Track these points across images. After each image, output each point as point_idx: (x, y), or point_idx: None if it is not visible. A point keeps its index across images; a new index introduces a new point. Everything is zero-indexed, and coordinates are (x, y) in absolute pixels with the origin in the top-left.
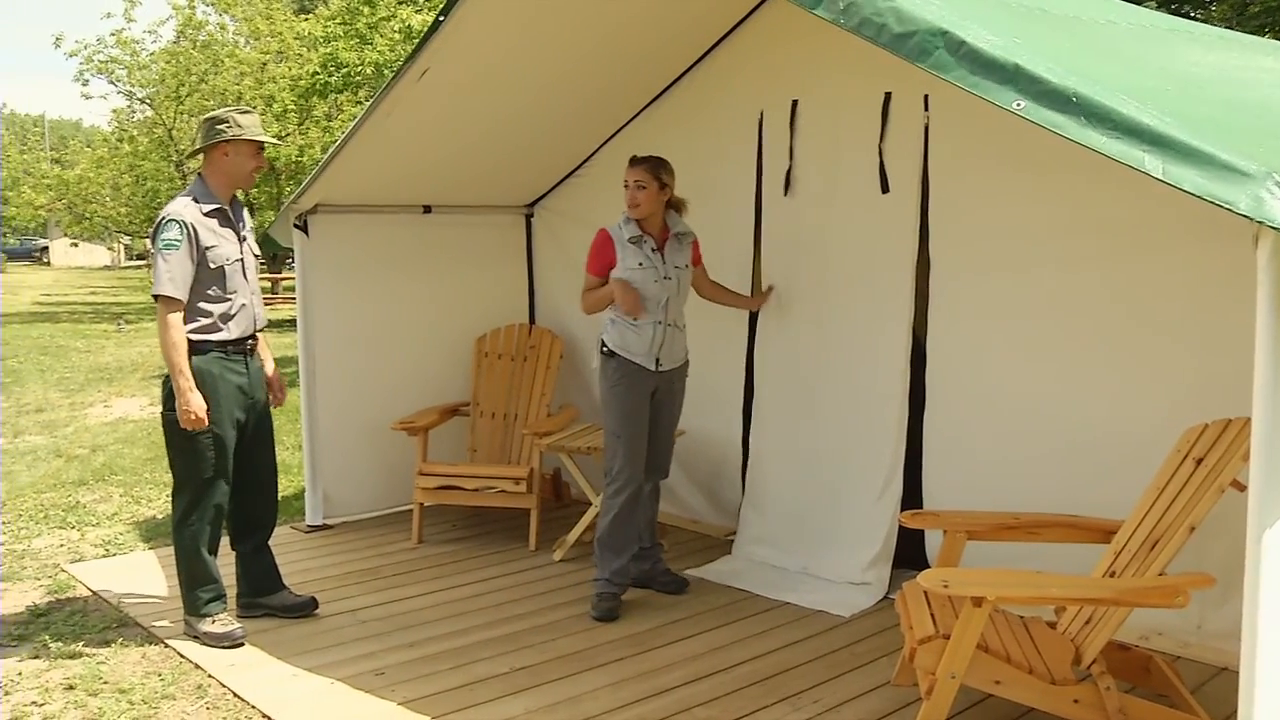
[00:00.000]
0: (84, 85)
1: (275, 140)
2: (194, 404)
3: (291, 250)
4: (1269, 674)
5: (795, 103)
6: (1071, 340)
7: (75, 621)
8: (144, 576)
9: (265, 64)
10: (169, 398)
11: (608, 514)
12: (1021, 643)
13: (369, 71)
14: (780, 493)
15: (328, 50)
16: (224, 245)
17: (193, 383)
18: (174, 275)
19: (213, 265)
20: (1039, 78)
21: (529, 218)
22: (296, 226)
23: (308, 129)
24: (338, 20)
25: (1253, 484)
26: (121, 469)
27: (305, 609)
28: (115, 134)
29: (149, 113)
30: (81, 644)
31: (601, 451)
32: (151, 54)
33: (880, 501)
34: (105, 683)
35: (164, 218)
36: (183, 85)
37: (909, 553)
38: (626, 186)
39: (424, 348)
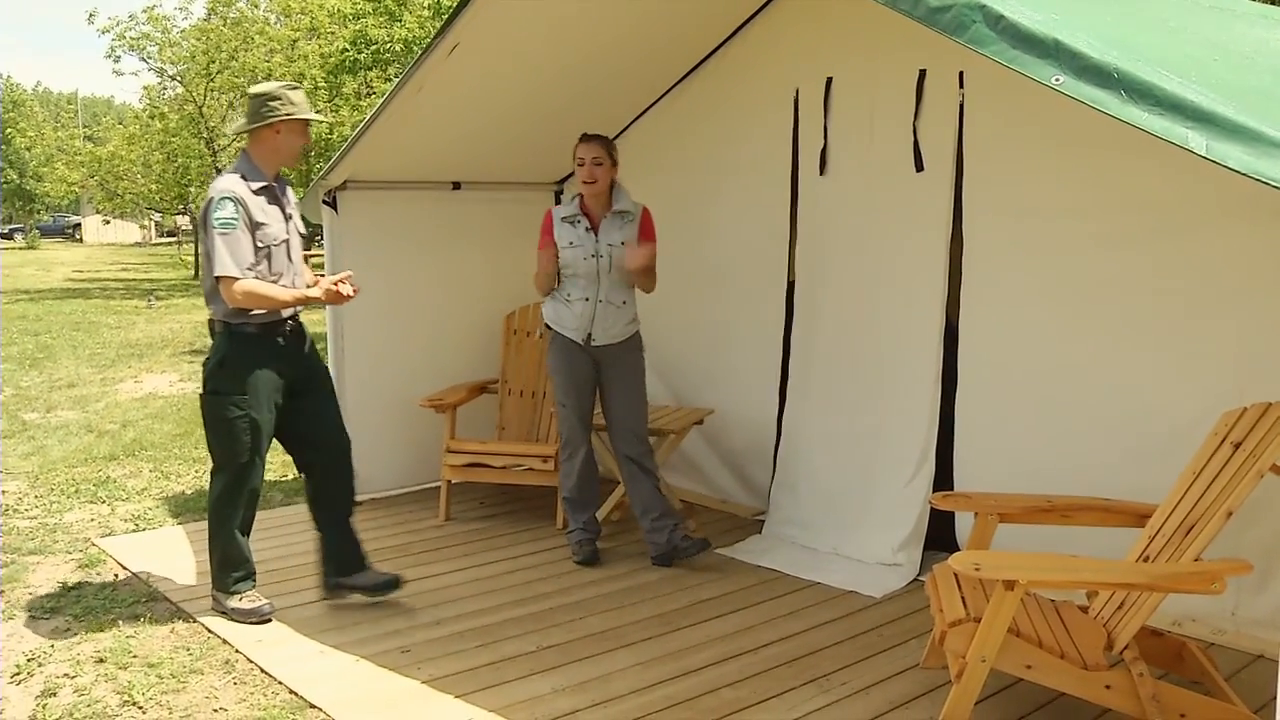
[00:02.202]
0: (115, 62)
1: (323, 119)
2: (321, 294)
3: (320, 226)
4: None
5: (830, 80)
6: (1107, 321)
7: (105, 595)
8: (173, 551)
9: (296, 41)
10: (210, 378)
11: (568, 476)
12: (1053, 627)
13: (398, 48)
14: (812, 473)
15: (357, 27)
16: (272, 224)
17: (304, 291)
18: (236, 254)
19: (260, 245)
20: (1079, 52)
21: (558, 194)
22: (325, 203)
23: (338, 106)
24: None
25: None
26: (151, 444)
27: (390, 587)
28: (146, 111)
29: (180, 90)
30: (111, 618)
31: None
32: (183, 31)
33: (913, 483)
34: (134, 656)
35: (217, 196)
36: (213, 62)
37: (940, 535)
38: (582, 164)
39: (452, 325)
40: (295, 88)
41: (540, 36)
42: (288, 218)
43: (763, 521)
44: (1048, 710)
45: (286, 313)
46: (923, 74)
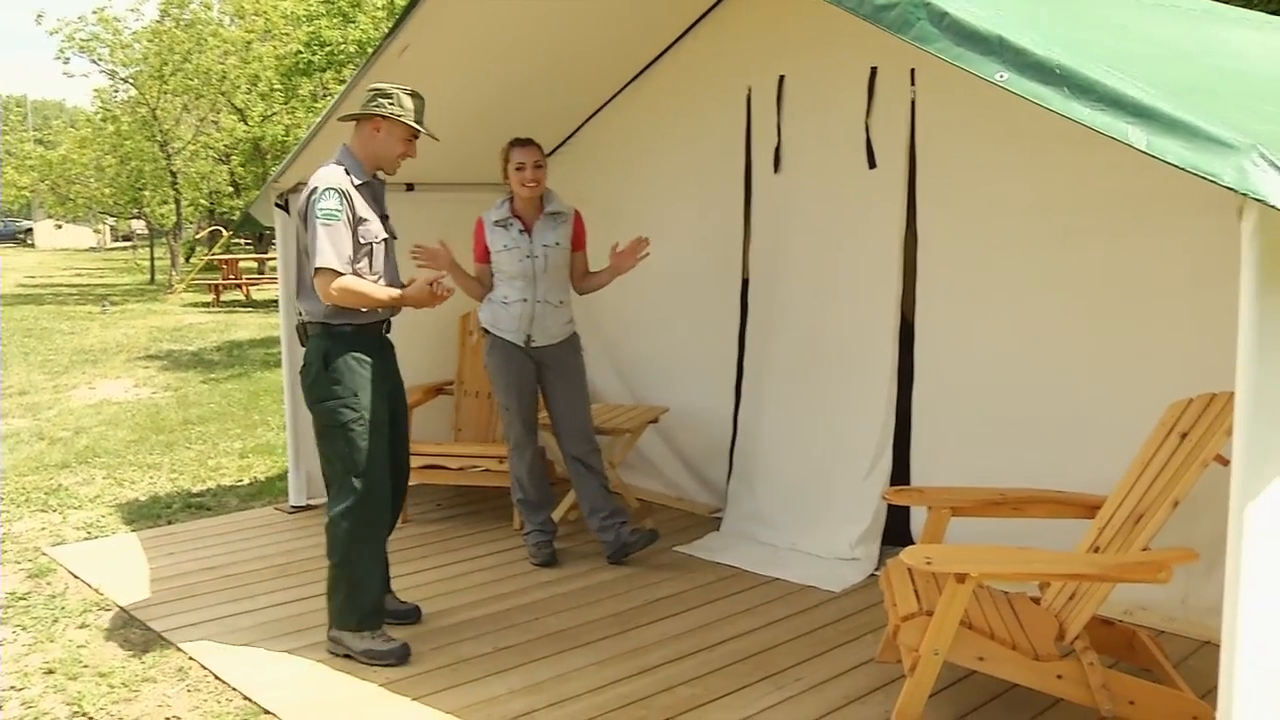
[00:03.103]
0: (65, 63)
1: (433, 135)
2: (416, 294)
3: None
4: (1250, 647)
5: (782, 78)
6: (1061, 316)
7: (55, 605)
8: (126, 559)
9: (250, 43)
10: (315, 384)
11: (519, 478)
12: (1005, 619)
13: (352, 49)
14: (770, 470)
15: (311, 29)
16: (373, 222)
17: (400, 290)
18: (338, 247)
19: (362, 241)
20: (1022, 49)
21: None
22: (278, 205)
23: (294, 108)
24: None
25: (1236, 458)
26: (105, 451)
27: (411, 617)
28: (98, 114)
29: (132, 92)
30: (61, 627)
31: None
32: (134, 32)
33: (869, 478)
34: (85, 666)
35: (321, 186)
36: (166, 64)
37: (897, 529)
38: (522, 169)
39: (407, 326)
40: (415, 95)
41: (492, 37)
42: (384, 218)
43: (719, 519)
44: (1001, 701)
45: (382, 314)
46: (874, 71)
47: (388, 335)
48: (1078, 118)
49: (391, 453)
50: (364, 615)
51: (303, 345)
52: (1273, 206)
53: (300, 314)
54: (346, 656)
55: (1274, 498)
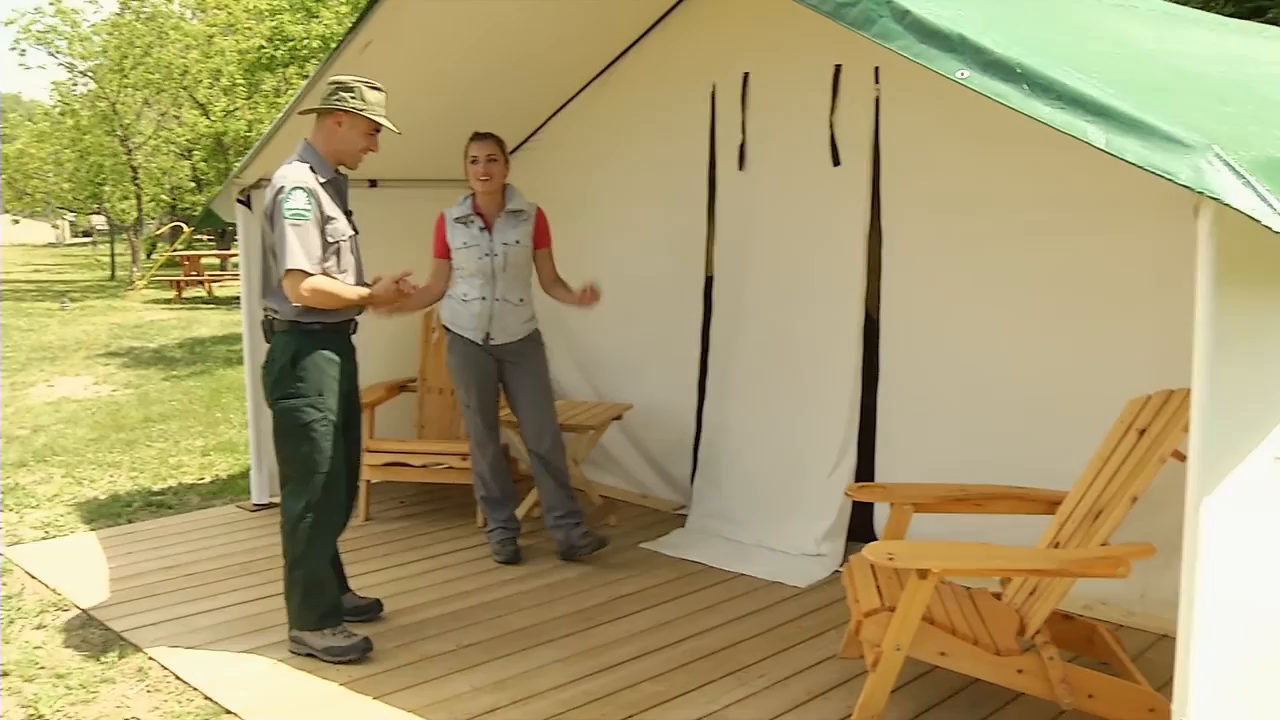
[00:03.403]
0: (21, 55)
1: (394, 129)
2: (384, 292)
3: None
4: (1205, 639)
5: (746, 75)
6: (1025, 313)
7: (10, 606)
8: (84, 559)
9: (212, 37)
10: (279, 382)
11: (481, 476)
12: (967, 614)
13: (315, 44)
14: (735, 466)
15: (274, 23)
16: (339, 220)
17: (367, 289)
18: (307, 247)
19: (330, 240)
20: (983, 48)
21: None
22: (240, 201)
23: (256, 104)
24: None
25: (1192, 454)
26: (63, 450)
27: (373, 611)
28: (56, 107)
29: (91, 86)
30: (17, 629)
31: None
32: (93, 25)
33: (834, 475)
34: (41, 668)
35: (288, 185)
36: (126, 58)
37: (862, 526)
38: (475, 162)
39: (370, 323)
40: (376, 88)
41: (455, 32)
42: (348, 214)
43: (683, 515)
44: (963, 696)
45: (351, 313)
46: (838, 69)
47: (352, 335)
48: (1038, 116)
49: (346, 453)
50: (323, 613)
51: (268, 341)
52: (1227, 205)
53: (266, 311)
54: (309, 655)
55: (1229, 493)
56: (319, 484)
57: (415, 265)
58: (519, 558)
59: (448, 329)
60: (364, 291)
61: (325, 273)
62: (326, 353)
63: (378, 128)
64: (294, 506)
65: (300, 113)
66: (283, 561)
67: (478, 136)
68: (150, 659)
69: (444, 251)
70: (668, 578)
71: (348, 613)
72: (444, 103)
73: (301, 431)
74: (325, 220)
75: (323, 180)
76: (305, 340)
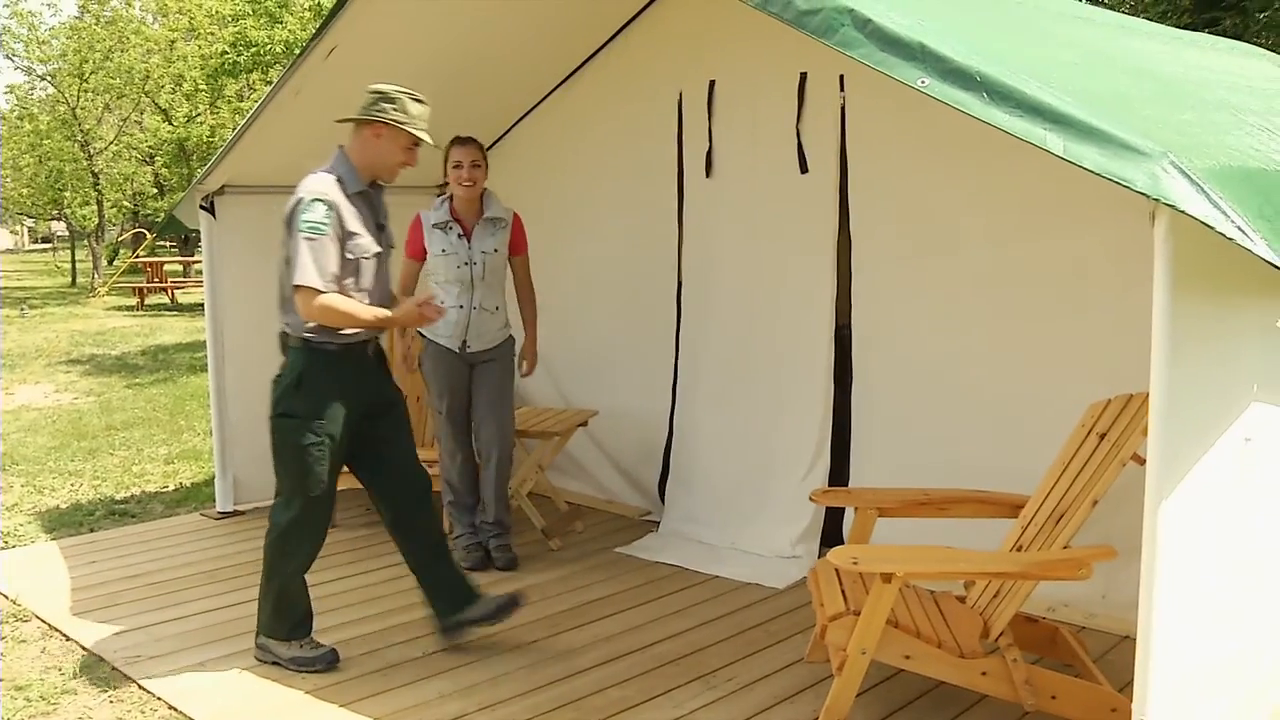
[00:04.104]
0: None
1: (434, 143)
2: (405, 314)
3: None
4: (1164, 640)
5: (713, 83)
6: (992, 317)
7: None
8: (45, 569)
9: (174, 42)
10: (282, 398)
11: (449, 482)
12: (931, 617)
13: (279, 50)
14: (707, 471)
15: (237, 28)
16: (364, 236)
17: (389, 310)
18: (320, 263)
19: (350, 256)
20: (944, 56)
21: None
22: (203, 208)
23: (219, 109)
24: None
25: (1150, 457)
26: (23, 458)
27: (514, 605)
28: (14, 111)
29: (50, 90)
30: None
31: (513, 432)
32: (51, 29)
33: (807, 479)
34: (0, 680)
35: (307, 196)
36: (86, 62)
37: (833, 530)
38: (459, 167)
39: None
40: (420, 100)
41: (420, 38)
42: (380, 229)
43: (649, 521)
44: (928, 699)
45: (366, 334)
46: (804, 77)
47: (376, 351)
48: (997, 123)
49: (400, 457)
50: (293, 625)
51: (283, 355)
52: (1182, 211)
53: (282, 325)
54: (274, 664)
55: (1186, 495)
56: (307, 504)
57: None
58: (486, 564)
59: (423, 336)
60: (382, 313)
61: (342, 290)
62: (336, 373)
63: (417, 142)
64: (280, 519)
65: (337, 121)
66: (257, 569)
67: (460, 141)
68: (113, 669)
69: (420, 254)
70: (636, 583)
71: (491, 616)
72: None
73: (296, 452)
74: (346, 236)
75: (351, 192)
76: (315, 359)
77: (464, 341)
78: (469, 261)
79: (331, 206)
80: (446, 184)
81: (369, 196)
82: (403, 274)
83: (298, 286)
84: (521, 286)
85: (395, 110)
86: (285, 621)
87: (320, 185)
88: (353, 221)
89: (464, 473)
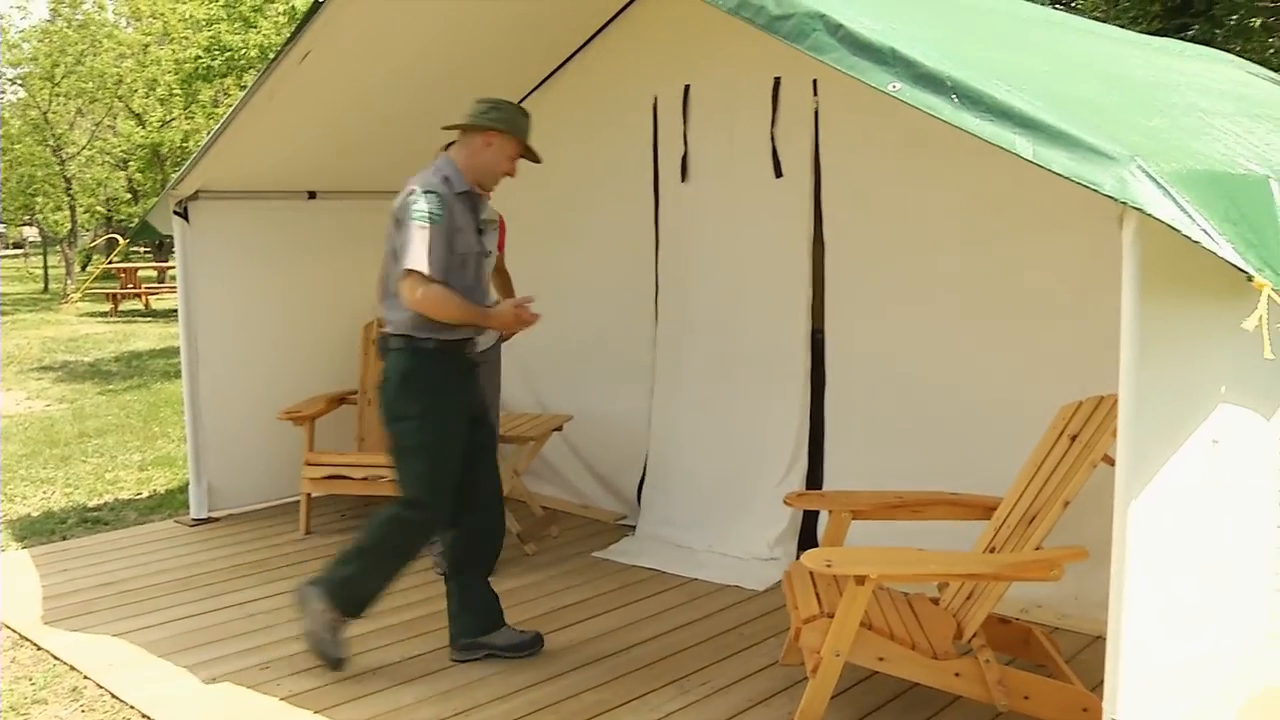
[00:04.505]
0: None
1: (536, 160)
2: (503, 315)
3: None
4: (1134, 639)
5: (687, 87)
6: (965, 320)
7: None
8: (16, 577)
9: (147, 46)
10: (394, 401)
11: None
12: (905, 619)
13: (254, 55)
14: (685, 474)
15: (211, 33)
16: (468, 234)
17: (486, 311)
18: (432, 251)
19: (456, 252)
20: (914, 61)
21: None
22: (176, 213)
23: (194, 114)
24: (220, 2)
25: (1119, 458)
26: None
27: (534, 646)
28: None
29: (21, 94)
30: None
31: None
32: (22, 32)
33: (784, 482)
34: None
35: (420, 188)
36: (57, 66)
37: (809, 533)
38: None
39: (310, 336)
40: (528, 115)
41: (394, 43)
42: (479, 233)
43: (625, 526)
44: (902, 700)
45: (467, 332)
46: (778, 81)
47: (471, 356)
48: (967, 127)
49: (484, 470)
50: (357, 603)
51: (381, 359)
52: (1150, 215)
53: (383, 325)
54: (310, 632)
55: (1155, 496)
56: (429, 507)
57: (354, 275)
58: None
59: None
60: (481, 312)
61: (446, 285)
62: (441, 371)
63: (521, 153)
64: (402, 514)
65: (444, 128)
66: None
67: None
68: (85, 678)
69: None
70: (612, 586)
71: (511, 649)
72: (383, 113)
73: (417, 451)
74: (454, 230)
75: (457, 192)
76: (418, 357)
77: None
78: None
79: (443, 200)
80: None
81: (472, 200)
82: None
83: (408, 271)
84: (501, 273)
85: (507, 120)
86: (355, 598)
87: (430, 180)
88: (461, 217)
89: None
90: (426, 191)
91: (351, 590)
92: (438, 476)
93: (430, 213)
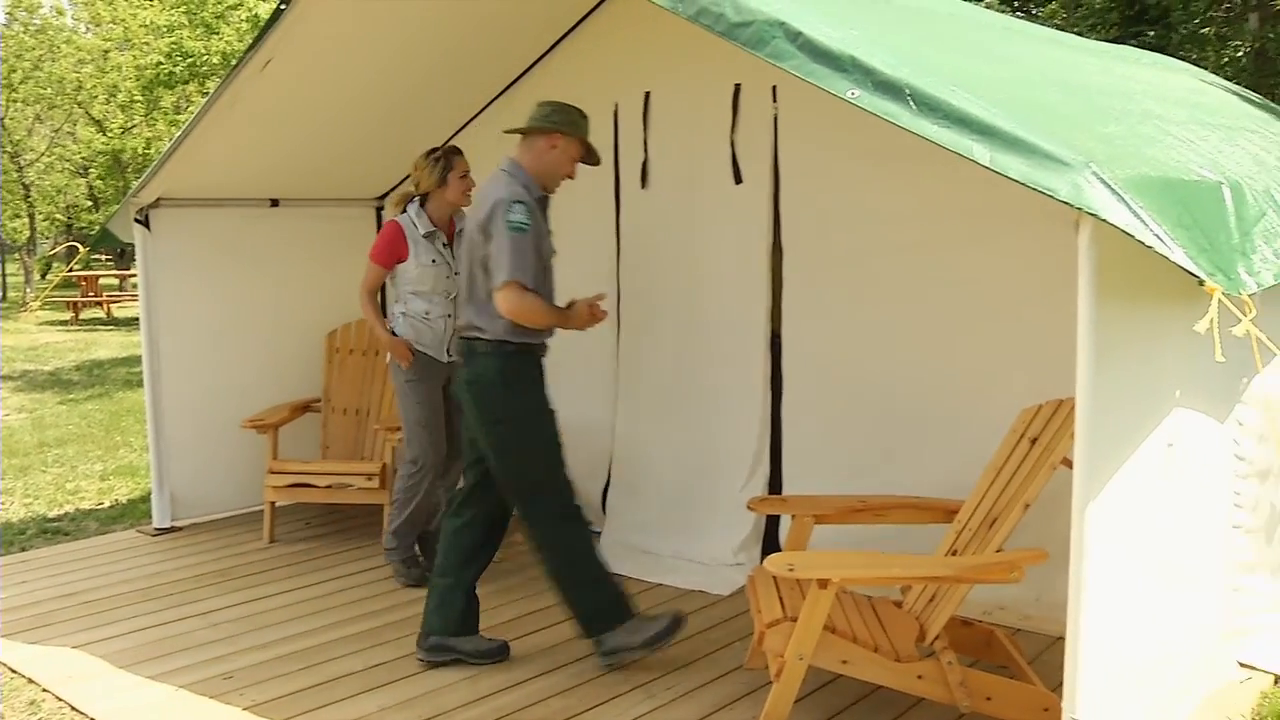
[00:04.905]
0: None
1: (595, 161)
2: (579, 314)
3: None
4: (1092, 638)
5: (648, 94)
6: (923, 325)
7: None
8: None
9: (108, 52)
10: (493, 406)
11: (413, 497)
12: (868, 622)
13: (216, 61)
14: (649, 480)
15: (172, 39)
16: (548, 239)
17: (567, 311)
18: (528, 260)
19: (542, 257)
20: (873, 68)
21: (379, 210)
22: (138, 221)
23: (155, 120)
24: (182, 9)
25: (1077, 460)
26: None
27: (501, 655)
28: None
29: None
30: None
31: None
32: None
33: (747, 487)
34: None
35: (506, 198)
36: (14, 71)
37: (771, 537)
38: (465, 177)
39: (274, 344)
40: (586, 117)
41: (357, 51)
42: (548, 235)
43: (594, 531)
44: (866, 703)
45: (549, 334)
46: (738, 88)
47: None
48: (925, 134)
49: (493, 483)
50: (615, 608)
51: (467, 365)
52: (1104, 220)
53: (471, 331)
54: (618, 651)
55: (1113, 498)
56: (565, 487)
57: (317, 283)
58: (426, 580)
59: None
60: (561, 311)
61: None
62: (532, 371)
63: (583, 155)
64: (548, 533)
65: (506, 131)
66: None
67: (460, 151)
68: (44, 690)
69: (393, 261)
70: None
71: (477, 656)
72: (345, 121)
73: (535, 444)
74: (539, 236)
75: (535, 198)
76: (513, 359)
77: (447, 350)
78: (456, 272)
79: (530, 208)
80: (425, 196)
81: (544, 204)
82: (373, 280)
83: (506, 282)
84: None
85: (571, 122)
86: (611, 605)
87: (517, 189)
88: (541, 224)
89: (432, 494)
90: (516, 202)
91: (598, 607)
92: (558, 463)
93: (523, 223)
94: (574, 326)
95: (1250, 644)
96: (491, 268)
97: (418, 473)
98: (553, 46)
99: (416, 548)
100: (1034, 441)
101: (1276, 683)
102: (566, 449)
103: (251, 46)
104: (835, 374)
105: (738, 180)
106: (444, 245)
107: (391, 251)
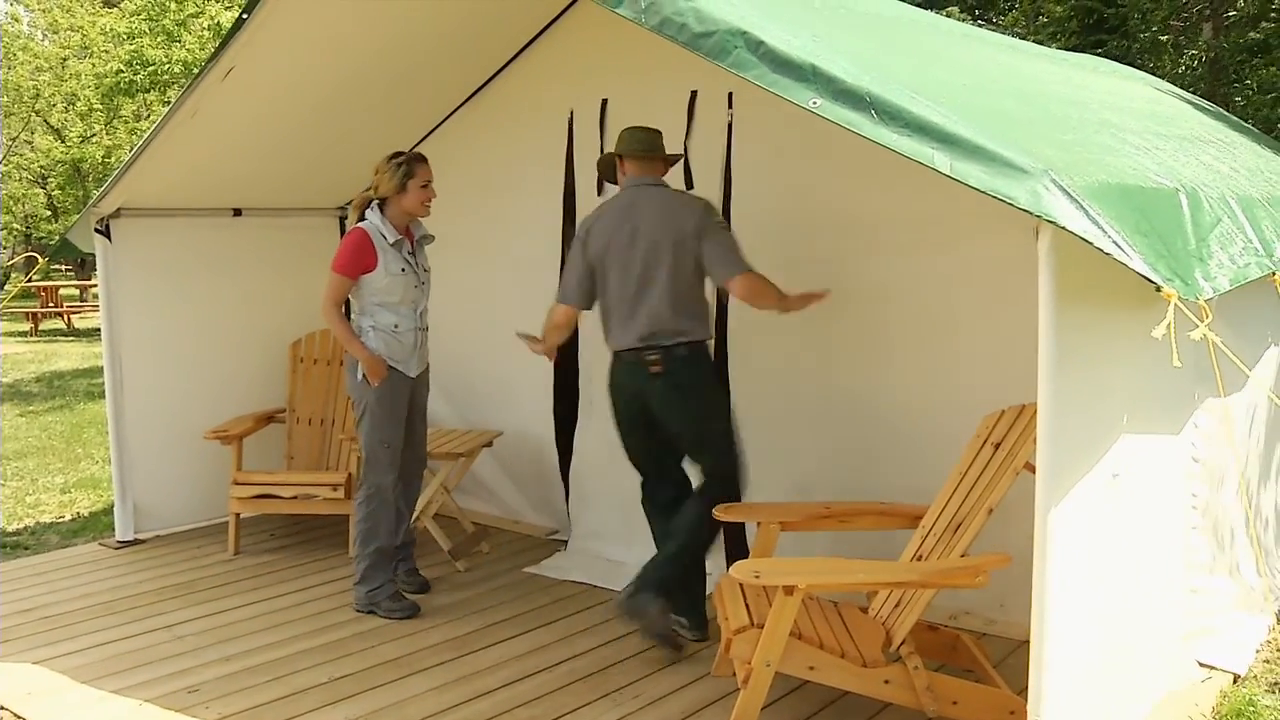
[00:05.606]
0: None
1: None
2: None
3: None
4: (1055, 641)
5: (605, 101)
6: (880, 331)
7: None
8: None
9: (66, 60)
10: (709, 402)
11: (383, 521)
12: (834, 628)
13: (177, 70)
14: (612, 487)
15: (133, 47)
16: None
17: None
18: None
19: None
20: (834, 77)
21: (342, 219)
22: (98, 231)
23: (115, 129)
24: (142, 16)
25: (1039, 465)
26: None
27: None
28: None
29: None
30: None
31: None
32: None
33: None
34: None
35: (704, 199)
36: None
37: (737, 545)
38: (426, 186)
39: (237, 354)
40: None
41: (320, 60)
42: None
43: (556, 540)
44: (833, 708)
45: None
46: (694, 95)
47: None
48: (885, 142)
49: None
50: (677, 595)
51: (661, 369)
52: (1062, 227)
53: (674, 336)
54: (631, 626)
55: (1074, 502)
56: (743, 467)
57: (280, 292)
58: (419, 610)
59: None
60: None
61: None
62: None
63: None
64: (714, 504)
65: (669, 162)
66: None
67: (423, 159)
68: (3, 709)
69: (360, 271)
70: (543, 602)
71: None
72: (308, 130)
73: (734, 435)
74: None
75: None
76: (707, 357)
77: (414, 364)
78: (421, 281)
79: None
80: (383, 202)
81: None
82: (339, 292)
83: (746, 270)
84: None
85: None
86: (677, 589)
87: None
88: None
89: (399, 514)
90: (711, 203)
91: (670, 583)
92: (741, 443)
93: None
94: (793, 308)
95: (1209, 644)
96: (721, 262)
97: (375, 508)
98: (514, 58)
99: (397, 568)
100: (997, 446)
101: (1236, 682)
102: (531, 460)
103: (213, 55)
104: (790, 381)
105: (689, 186)
106: (409, 253)
107: (358, 261)
